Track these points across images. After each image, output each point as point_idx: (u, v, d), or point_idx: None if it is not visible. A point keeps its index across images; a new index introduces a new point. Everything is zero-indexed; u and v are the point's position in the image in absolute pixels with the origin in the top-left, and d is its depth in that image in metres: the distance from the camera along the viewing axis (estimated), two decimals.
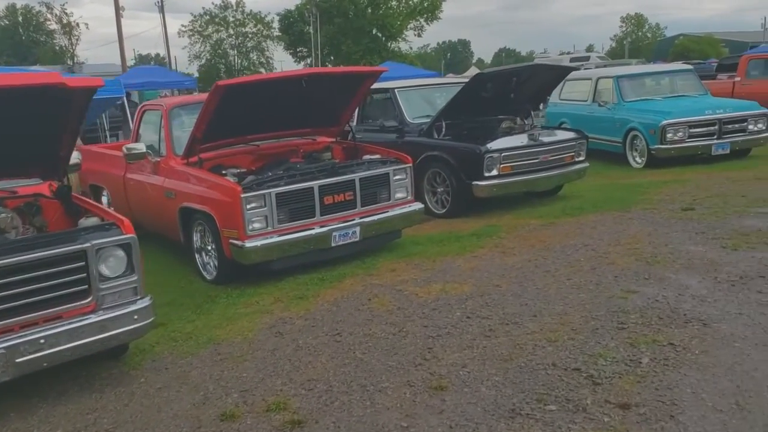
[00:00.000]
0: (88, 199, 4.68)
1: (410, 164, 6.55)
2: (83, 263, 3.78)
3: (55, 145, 4.34)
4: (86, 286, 3.81)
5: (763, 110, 10.60)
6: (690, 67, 12.46)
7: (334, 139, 7.25)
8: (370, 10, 52.88)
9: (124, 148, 6.81)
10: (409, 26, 55.06)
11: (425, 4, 54.18)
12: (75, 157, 5.09)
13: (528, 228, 7.02)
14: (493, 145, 7.74)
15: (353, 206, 6.10)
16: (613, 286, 4.85)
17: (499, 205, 8.13)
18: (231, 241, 5.63)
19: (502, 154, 7.74)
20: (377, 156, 6.76)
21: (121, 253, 3.92)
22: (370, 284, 5.46)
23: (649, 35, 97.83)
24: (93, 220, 4.24)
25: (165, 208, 6.55)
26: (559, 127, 9.81)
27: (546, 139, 8.16)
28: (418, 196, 8.19)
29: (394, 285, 5.37)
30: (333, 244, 5.97)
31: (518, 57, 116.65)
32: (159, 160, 6.69)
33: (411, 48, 58.38)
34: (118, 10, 38.69)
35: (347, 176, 6.05)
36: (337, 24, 52.79)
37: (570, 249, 5.98)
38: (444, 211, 8.14)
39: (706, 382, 3.30)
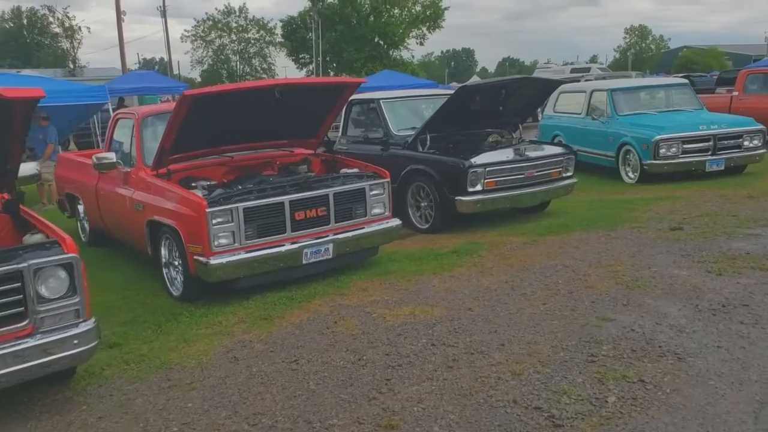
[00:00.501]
0: (35, 214, 4.46)
1: (388, 179, 6.34)
2: (19, 284, 3.56)
3: (1, 157, 4.13)
4: (23, 309, 3.59)
5: (759, 126, 10.39)
6: (685, 81, 12.23)
7: (312, 152, 7.05)
8: (372, 18, 52.82)
9: (93, 158, 6.62)
10: (411, 34, 55.03)
11: (427, 13, 54.16)
12: (31, 168, 4.90)
13: (510, 246, 6.79)
14: (478, 159, 7.53)
15: (326, 222, 5.88)
16: (589, 312, 4.62)
17: (483, 221, 7.91)
18: (195, 257, 5.41)
19: (487, 169, 7.53)
20: (355, 170, 6.55)
21: (62, 273, 3.70)
22: (339, 305, 5.23)
23: (652, 47, 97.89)
24: (38, 237, 4.03)
25: (134, 220, 6.34)
26: (551, 142, 9.60)
27: (532, 154, 7.94)
28: (402, 210, 8.03)
29: (363, 306, 5.15)
30: (304, 262, 5.75)
31: (522, 67, 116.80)
32: (129, 170, 6.49)
33: (413, 56, 58.30)
34: (119, 14, 38.72)
35: (320, 191, 5.84)
36: (339, 31, 52.73)
37: (549, 270, 5.75)
38: (427, 226, 7.93)
39: (675, 427, 3.06)
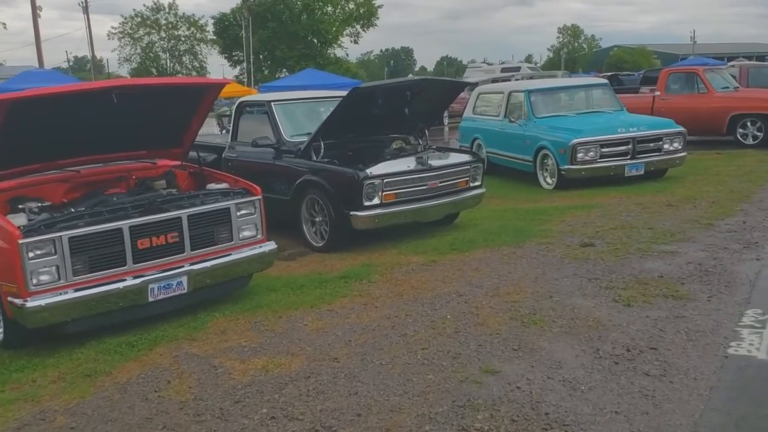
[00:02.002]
0: None
1: (259, 196, 5.45)
2: None
3: None
4: None
5: (679, 128, 9.97)
6: (605, 81, 11.79)
7: (178, 163, 6.11)
8: (305, 16, 51.61)
9: None
10: (345, 32, 54.15)
11: (361, 11, 53.40)
12: None
13: (406, 269, 6.02)
14: (374, 169, 6.73)
15: (180, 250, 4.96)
16: (473, 361, 3.87)
17: (385, 237, 7.13)
18: (10, 298, 4.42)
19: (385, 180, 6.75)
20: (224, 185, 5.65)
21: None
22: (185, 354, 4.33)
23: (585, 46, 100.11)
24: None
25: None
26: (458, 148, 8.83)
27: (435, 163, 7.21)
28: (297, 225, 7.20)
29: (212, 357, 4.26)
30: (151, 299, 4.81)
31: (459, 65, 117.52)
32: None
33: (347, 54, 57.37)
34: (34, 9, 36.63)
35: (170, 213, 4.91)
36: (271, 28, 51.37)
37: (441, 300, 5.00)
38: (323, 243, 7.09)
39: None
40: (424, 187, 7.06)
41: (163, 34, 66.20)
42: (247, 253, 5.34)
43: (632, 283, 5.09)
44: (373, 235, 7.09)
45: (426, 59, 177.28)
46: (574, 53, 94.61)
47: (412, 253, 6.56)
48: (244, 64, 54.15)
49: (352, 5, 53.64)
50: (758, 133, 12.53)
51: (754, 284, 4.90)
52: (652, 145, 9.76)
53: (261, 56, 54.71)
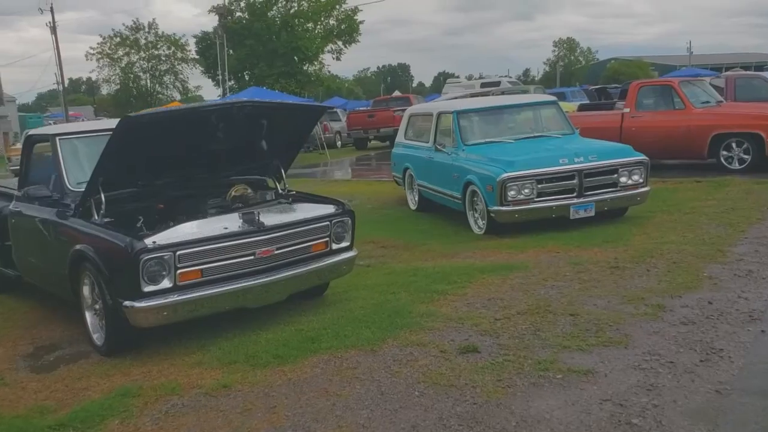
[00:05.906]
0: None
1: None
2: None
3: None
4: None
5: (640, 157, 7.76)
6: (554, 99, 9.60)
7: None
8: (284, 34, 49.65)
9: None
10: (326, 49, 52.19)
11: (342, 27, 51.50)
12: None
13: (174, 403, 3.82)
14: (161, 236, 4.53)
15: None
16: None
17: (209, 324, 4.93)
18: None
19: (179, 252, 4.54)
20: None
21: None
22: None
23: (581, 59, 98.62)
24: None
25: None
26: (323, 197, 6.23)
27: (270, 221, 5.00)
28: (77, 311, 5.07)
29: None
30: None
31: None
32: None
33: (329, 71, 55.35)
34: None
35: None
36: (249, 46, 49.51)
37: None
38: (104, 342, 4.91)
39: None
40: (251, 258, 4.86)
41: (142, 54, 64.58)
42: None
43: None
44: (186, 324, 4.88)
45: (424, 75, 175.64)
46: (571, 67, 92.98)
47: (215, 365, 4.36)
48: (230, 83, 52.27)
49: (333, 21, 51.77)
50: (745, 156, 10.29)
51: None
52: (604, 178, 7.57)
53: (247, 75, 52.88)
